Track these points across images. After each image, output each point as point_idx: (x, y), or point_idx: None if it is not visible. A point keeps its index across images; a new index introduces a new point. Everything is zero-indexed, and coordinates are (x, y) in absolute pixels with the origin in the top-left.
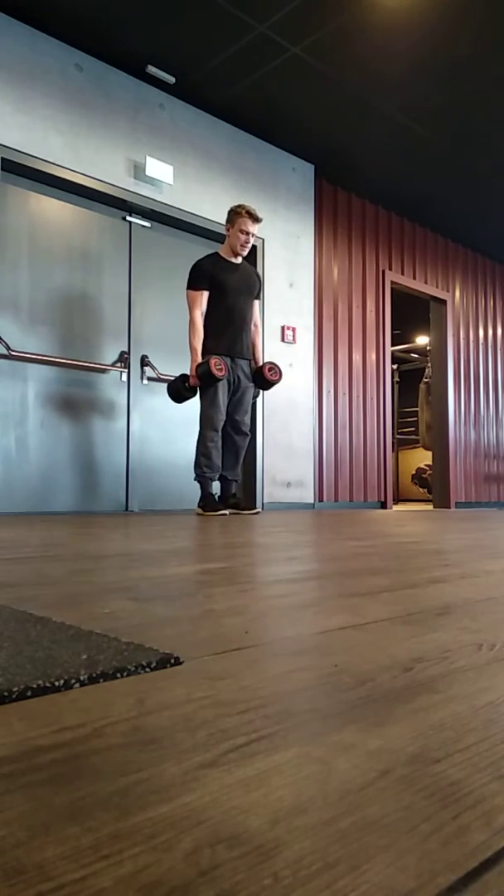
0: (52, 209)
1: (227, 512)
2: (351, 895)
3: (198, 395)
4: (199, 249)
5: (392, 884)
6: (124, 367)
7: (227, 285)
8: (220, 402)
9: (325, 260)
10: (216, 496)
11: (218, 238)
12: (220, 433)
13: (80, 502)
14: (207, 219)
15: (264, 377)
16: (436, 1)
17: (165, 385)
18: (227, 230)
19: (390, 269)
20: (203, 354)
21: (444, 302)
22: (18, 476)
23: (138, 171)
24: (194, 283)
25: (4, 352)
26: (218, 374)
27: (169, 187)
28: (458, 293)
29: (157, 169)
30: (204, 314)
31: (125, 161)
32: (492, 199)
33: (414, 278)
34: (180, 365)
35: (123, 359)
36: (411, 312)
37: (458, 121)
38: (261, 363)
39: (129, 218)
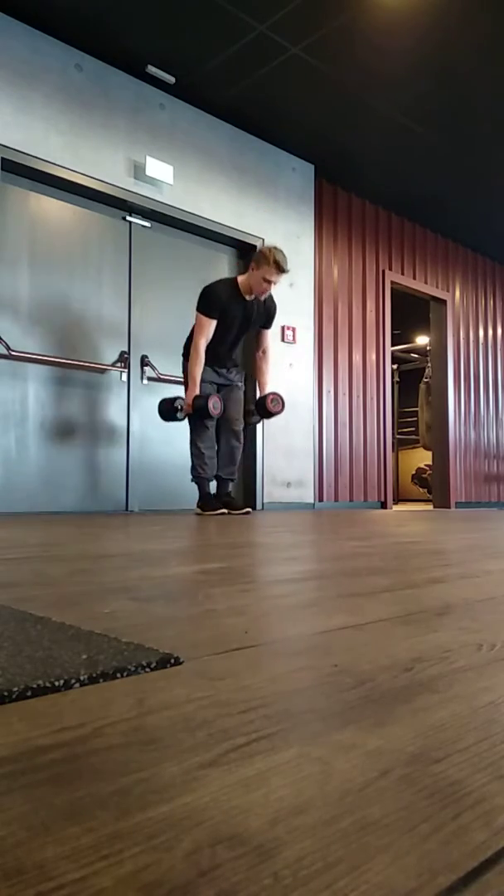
0: (52, 209)
1: (225, 511)
2: (351, 895)
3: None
4: (199, 249)
5: (392, 884)
6: (124, 367)
7: (233, 319)
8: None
9: (325, 260)
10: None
11: (217, 238)
12: (211, 430)
13: (79, 502)
14: (207, 219)
15: (266, 407)
16: (436, 1)
17: (166, 386)
18: (252, 268)
19: (390, 269)
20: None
21: (444, 302)
22: (18, 476)
23: (138, 171)
24: (207, 309)
25: (4, 352)
26: (213, 412)
27: (169, 187)
28: (458, 293)
29: (157, 169)
30: (208, 342)
31: (125, 161)
32: (492, 199)
33: (414, 278)
34: (179, 365)
35: (123, 359)
36: (411, 312)
37: (458, 121)
38: (266, 391)
39: (129, 218)
